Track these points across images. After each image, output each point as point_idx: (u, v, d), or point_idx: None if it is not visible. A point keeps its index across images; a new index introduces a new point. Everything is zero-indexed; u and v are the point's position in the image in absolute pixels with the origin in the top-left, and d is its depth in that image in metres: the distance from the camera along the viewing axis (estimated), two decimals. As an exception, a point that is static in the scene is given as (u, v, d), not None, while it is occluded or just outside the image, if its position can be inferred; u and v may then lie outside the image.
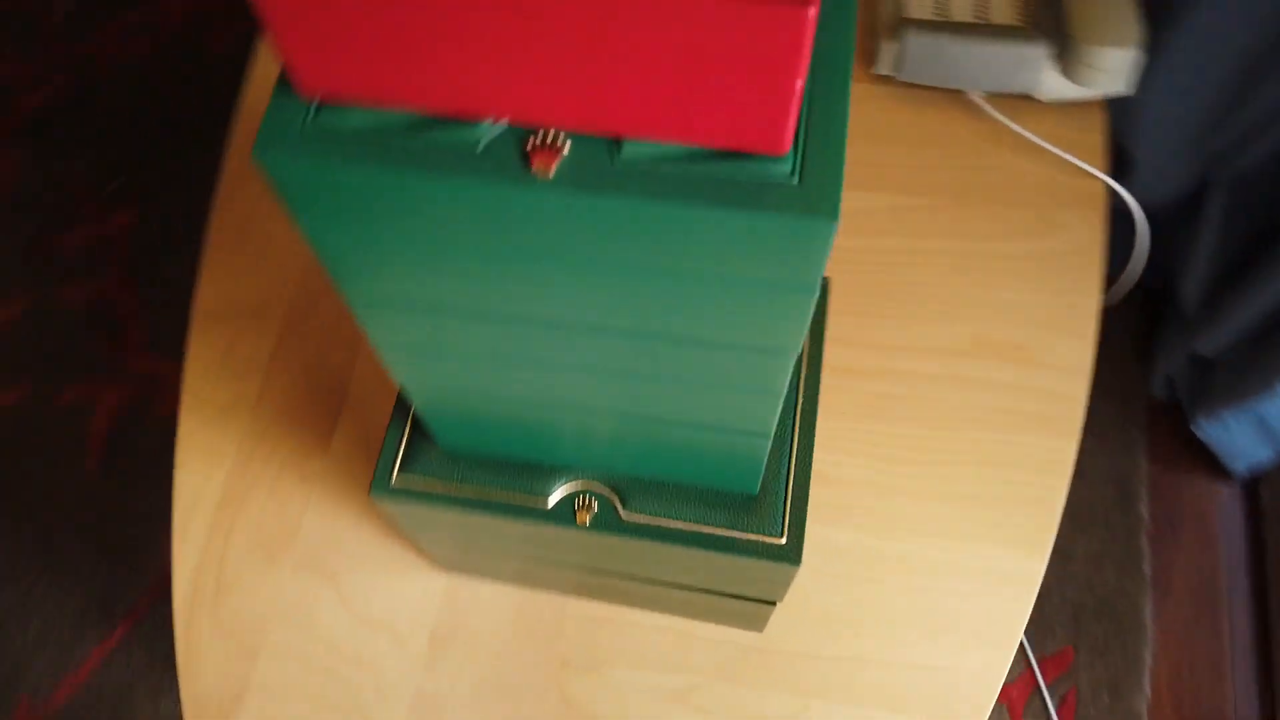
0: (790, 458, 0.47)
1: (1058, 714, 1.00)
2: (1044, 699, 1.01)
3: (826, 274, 0.63)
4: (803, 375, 0.49)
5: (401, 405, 0.49)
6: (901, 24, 0.70)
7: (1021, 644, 1.02)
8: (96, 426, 1.16)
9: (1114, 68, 0.68)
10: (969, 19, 0.70)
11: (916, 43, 0.70)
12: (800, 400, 0.48)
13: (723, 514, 0.46)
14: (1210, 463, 1.11)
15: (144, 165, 1.28)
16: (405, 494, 0.47)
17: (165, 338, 1.19)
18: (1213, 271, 1.01)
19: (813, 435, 0.47)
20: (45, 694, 1.04)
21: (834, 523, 0.63)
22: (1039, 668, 1.02)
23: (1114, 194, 0.74)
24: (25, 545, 1.10)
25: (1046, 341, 0.67)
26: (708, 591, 0.53)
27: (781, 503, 0.46)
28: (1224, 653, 1.04)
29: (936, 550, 0.62)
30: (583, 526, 0.46)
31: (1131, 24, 0.67)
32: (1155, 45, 0.80)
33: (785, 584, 0.48)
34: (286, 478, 0.65)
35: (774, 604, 0.53)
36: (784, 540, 0.45)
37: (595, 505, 0.46)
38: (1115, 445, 1.12)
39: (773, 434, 0.42)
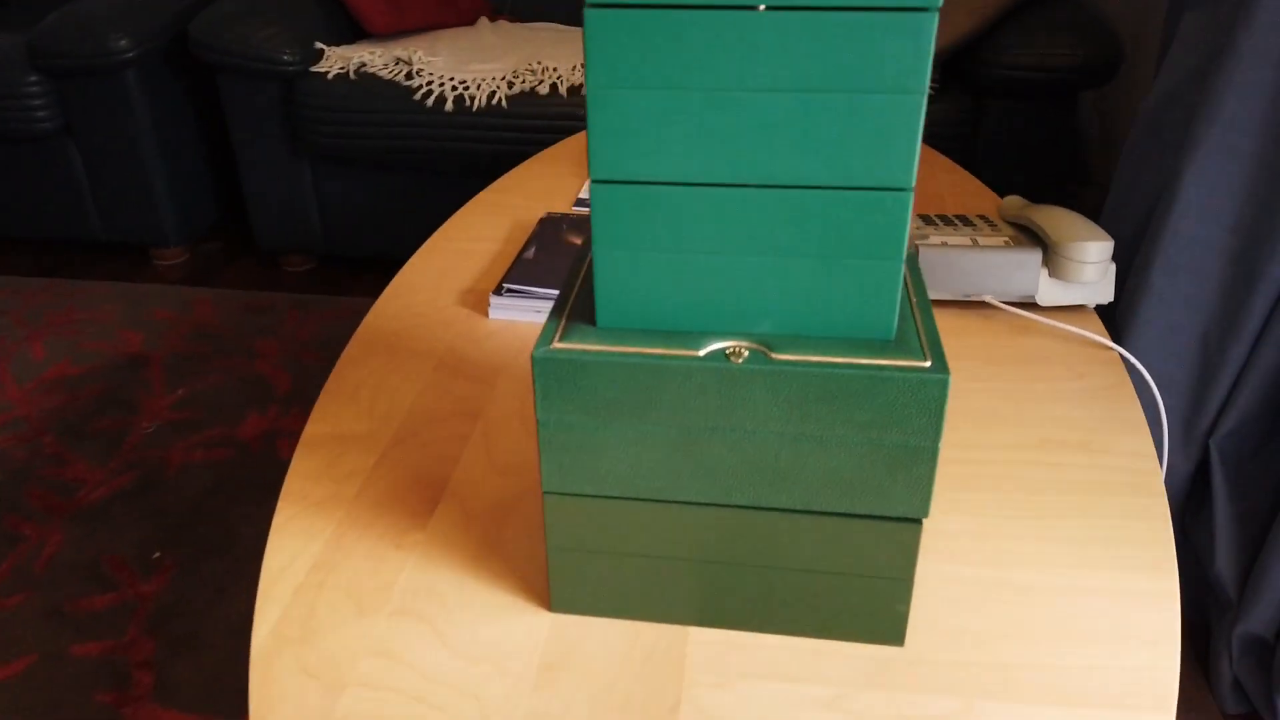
0: (916, 319, 0.52)
1: None
2: None
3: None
4: (911, 287, 0.56)
5: (560, 299, 0.54)
6: (913, 248, 0.87)
7: None
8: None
9: (1090, 259, 0.84)
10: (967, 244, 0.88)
11: (927, 258, 0.86)
12: (914, 294, 0.54)
13: (866, 352, 0.50)
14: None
15: (186, 540, 1.31)
16: (566, 354, 0.50)
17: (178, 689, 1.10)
18: (1238, 544, 1.05)
19: (931, 317, 0.53)
20: None
21: (949, 561, 0.62)
22: None
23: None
24: None
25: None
26: (842, 560, 0.52)
27: (916, 338, 0.50)
28: None
29: (1062, 578, 0.60)
30: (737, 362, 0.49)
31: (1094, 227, 0.86)
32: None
33: (929, 475, 0.49)
34: (382, 546, 0.63)
35: (919, 522, 0.51)
36: (929, 362, 0.49)
37: (745, 353, 0.50)
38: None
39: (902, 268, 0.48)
